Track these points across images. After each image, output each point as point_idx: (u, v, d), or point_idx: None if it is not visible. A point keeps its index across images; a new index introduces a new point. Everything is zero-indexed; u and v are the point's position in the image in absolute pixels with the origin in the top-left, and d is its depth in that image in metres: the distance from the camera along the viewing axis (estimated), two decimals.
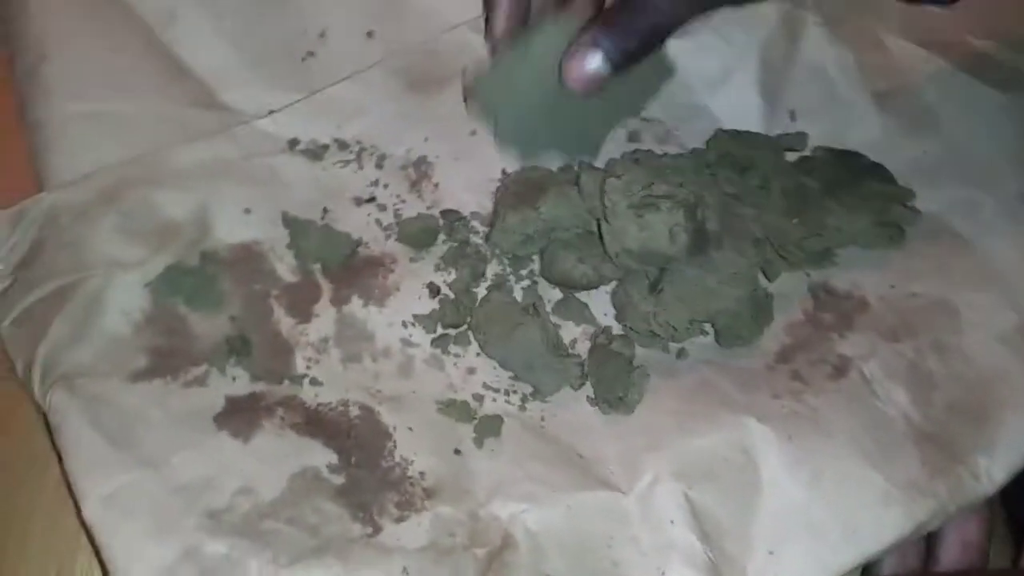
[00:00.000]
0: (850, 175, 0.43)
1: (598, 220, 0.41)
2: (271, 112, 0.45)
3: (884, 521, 0.37)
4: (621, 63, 0.38)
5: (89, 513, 0.34)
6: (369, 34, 0.49)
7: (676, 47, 0.48)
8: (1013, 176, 0.45)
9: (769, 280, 0.43)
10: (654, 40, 0.39)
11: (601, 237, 0.41)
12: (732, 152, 0.44)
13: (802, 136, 0.45)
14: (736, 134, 0.45)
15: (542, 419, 0.40)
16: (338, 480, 0.36)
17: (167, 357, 0.38)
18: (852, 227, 0.42)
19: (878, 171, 0.44)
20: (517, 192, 0.43)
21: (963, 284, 0.42)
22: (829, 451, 0.38)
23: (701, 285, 0.40)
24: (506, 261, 0.44)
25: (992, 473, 0.38)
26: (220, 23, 0.47)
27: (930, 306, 0.42)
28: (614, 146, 0.46)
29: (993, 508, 0.39)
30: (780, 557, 0.36)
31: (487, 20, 0.44)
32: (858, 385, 0.40)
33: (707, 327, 0.42)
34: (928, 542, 0.39)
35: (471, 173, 0.46)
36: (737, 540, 0.36)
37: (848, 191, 0.43)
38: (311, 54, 0.48)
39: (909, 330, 0.42)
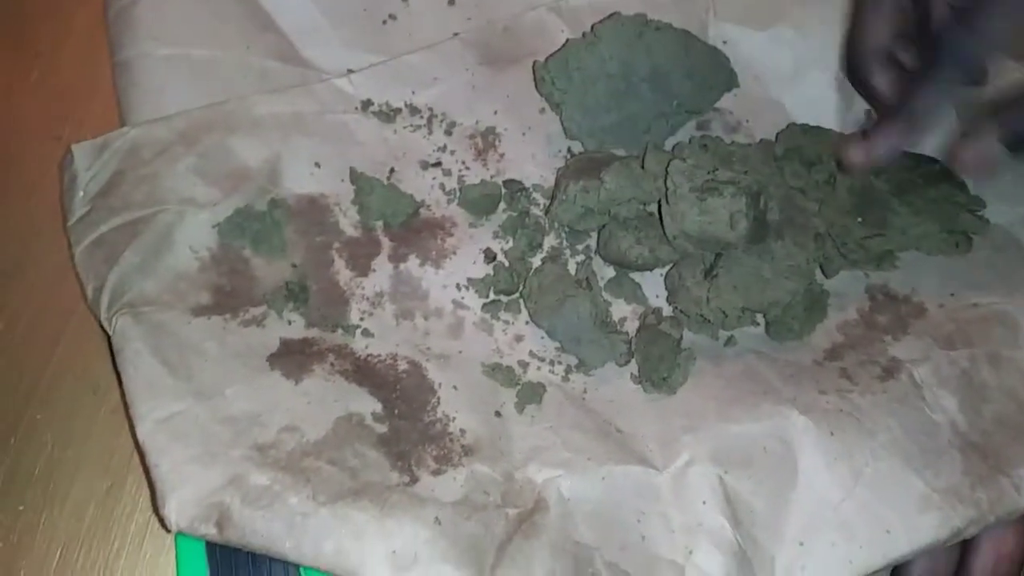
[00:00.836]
0: (921, 179, 0.43)
1: (659, 201, 0.41)
2: (349, 72, 0.47)
3: (920, 525, 0.36)
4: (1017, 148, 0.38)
5: (143, 435, 0.35)
6: (451, 2, 0.49)
7: (749, 39, 0.49)
8: None
9: (827, 276, 0.42)
10: None
11: (661, 218, 0.41)
12: (802, 146, 0.43)
13: None
14: (808, 129, 0.44)
15: (584, 391, 0.40)
16: (381, 428, 0.37)
17: (229, 296, 0.40)
18: (917, 231, 0.42)
19: (950, 178, 0.43)
20: (579, 168, 0.44)
21: None
22: (870, 450, 0.37)
23: (757, 274, 0.40)
24: (564, 234, 0.44)
25: None
26: None
27: (990, 317, 0.41)
28: (683, 133, 0.46)
29: None
30: (810, 550, 0.36)
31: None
32: (907, 388, 0.40)
33: (759, 318, 0.42)
34: (961, 549, 0.38)
35: (537, 148, 0.46)
36: (768, 529, 0.36)
37: (916, 194, 0.42)
38: (392, 17, 0.49)
39: (965, 339, 0.41)
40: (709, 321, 0.41)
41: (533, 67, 0.46)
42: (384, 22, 0.49)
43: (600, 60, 0.45)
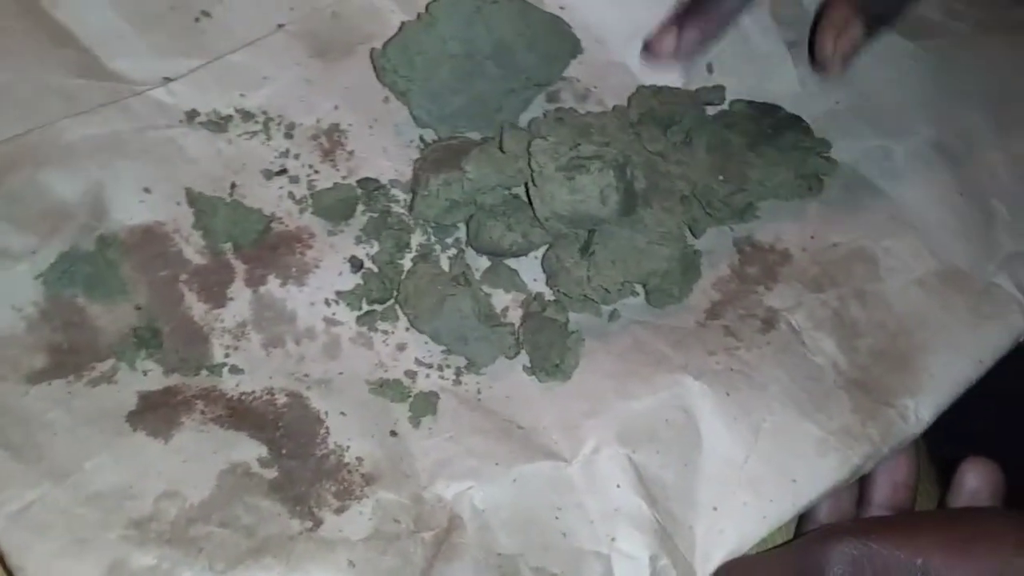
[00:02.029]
0: (770, 128, 0.43)
1: (526, 184, 0.40)
2: (166, 80, 0.42)
3: (821, 469, 0.37)
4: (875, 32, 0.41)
5: None
6: None
7: (586, 2, 0.48)
8: (923, 123, 0.46)
9: (695, 237, 0.43)
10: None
11: (530, 201, 0.40)
12: (654, 108, 0.43)
13: (720, 89, 0.45)
14: (657, 90, 0.44)
15: (478, 392, 0.39)
16: (271, 474, 0.34)
17: (68, 354, 0.35)
18: (774, 180, 0.43)
19: (796, 123, 0.44)
20: (437, 159, 0.42)
21: (880, 232, 0.44)
22: (765, 404, 0.38)
23: (632, 245, 0.40)
24: (430, 230, 0.42)
25: (920, 413, 0.39)
26: None
27: (850, 255, 0.43)
28: (534, 108, 0.45)
29: (918, 449, 0.40)
30: (725, 512, 0.37)
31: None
32: (787, 337, 0.41)
33: (638, 287, 0.41)
34: (859, 484, 0.40)
35: (387, 140, 0.44)
36: (682, 500, 0.37)
37: (768, 144, 0.43)
38: (206, 14, 0.44)
39: (832, 280, 0.42)
40: (592, 299, 0.40)
41: (371, 55, 0.43)
42: (197, 20, 0.44)
43: (440, 41, 0.42)
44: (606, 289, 0.40)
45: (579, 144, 0.39)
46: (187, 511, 0.32)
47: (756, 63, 0.47)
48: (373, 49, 0.43)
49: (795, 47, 0.47)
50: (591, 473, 0.36)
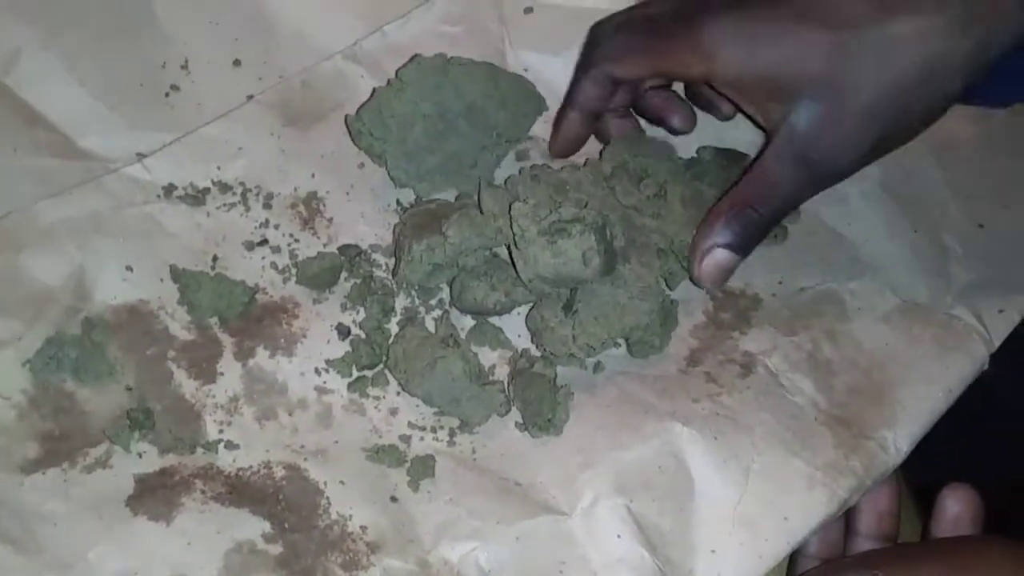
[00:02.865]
0: (738, 177, 0.45)
1: (508, 245, 0.40)
2: (140, 156, 0.42)
3: (811, 504, 0.38)
4: (748, 251, 0.40)
5: None
6: (236, 62, 0.46)
7: (547, 64, 0.49)
8: (873, 167, 0.48)
9: (670, 288, 0.44)
10: (778, 221, 0.41)
11: (512, 262, 0.40)
12: (627, 162, 0.44)
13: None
14: (629, 141, 0.45)
15: (473, 452, 0.39)
16: (276, 550, 0.34)
17: (60, 441, 0.35)
18: None
19: None
20: (417, 224, 0.42)
21: (844, 274, 0.45)
22: (752, 446, 0.39)
23: (614, 302, 0.40)
24: (414, 293, 0.42)
25: (898, 444, 0.40)
26: (70, 61, 0.42)
27: (817, 298, 0.45)
28: (507, 165, 0.46)
29: (899, 479, 0.41)
30: (722, 555, 0.37)
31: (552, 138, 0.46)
32: (766, 380, 0.42)
33: (619, 340, 0.42)
34: (846, 517, 0.41)
35: (364, 205, 0.44)
36: (680, 545, 0.37)
37: None
38: (175, 88, 0.44)
39: (803, 323, 0.44)
40: (577, 357, 0.41)
41: (346, 121, 0.44)
42: (167, 94, 0.44)
43: (412, 103, 0.43)
44: (591, 346, 0.40)
45: (559, 205, 0.40)
46: None
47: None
48: (347, 115, 0.44)
49: None
50: (591, 525, 0.37)
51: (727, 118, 0.47)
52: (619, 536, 0.37)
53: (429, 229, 0.41)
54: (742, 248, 0.40)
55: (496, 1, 0.49)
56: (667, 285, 0.43)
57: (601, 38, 0.43)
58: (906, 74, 0.35)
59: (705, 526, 0.38)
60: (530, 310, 0.42)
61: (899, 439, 0.40)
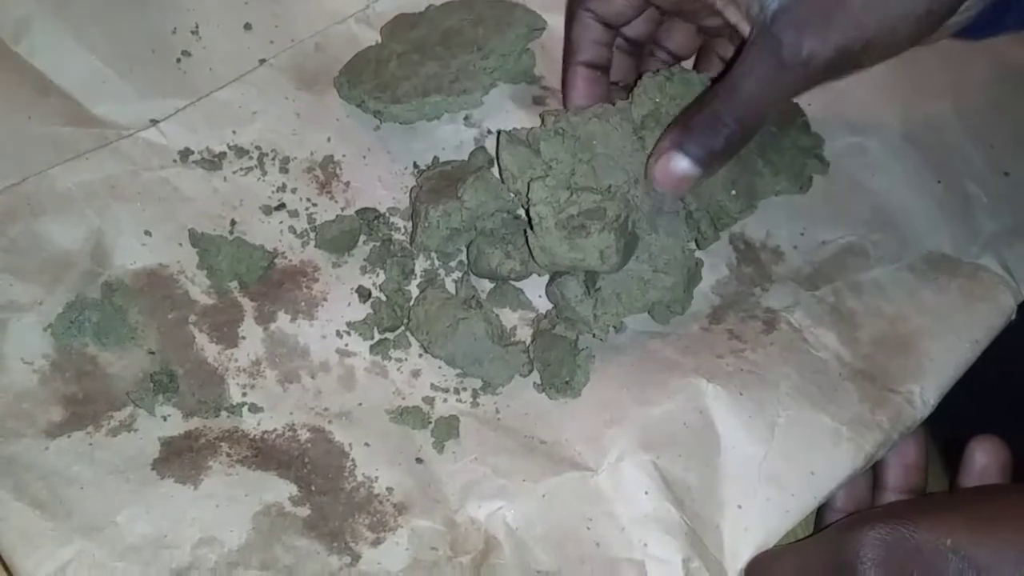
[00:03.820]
0: (775, 127, 0.44)
1: (526, 210, 0.39)
2: (153, 122, 0.41)
3: (837, 459, 0.38)
4: (709, 163, 0.37)
5: None
6: (247, 26, 0.45)
7: None
8: (891, 117, 0.48)
9: (700, 248, 0.43)
10: (744, 135, 0.37)
11: (531, 223, 0.40)
12: (660, 106, 0.41)
13: None
14: (666, 79, 0.42)
15: (497, 411, 0.39)
16: (304, 512, 0.34)
17: (84, 404, 0.35)
18: (776, 188, 0.44)
19: (793, 119, 0.45)
20: (433, 188, 0.42)
21: (866, 226, 0.45)
22: (777, 401, 0.39)
23: (637, 278, 0.40)
24: (434, 255, 0.42)
25: (925, 397, 0.40)
26: (80, 29, 0.42)
27: (840, 251, 0.44)
28: (521, 112, 0.45)
29: (925, 432, 0.41)
30: (748, 510, 0.37)
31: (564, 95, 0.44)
32: (789, 335, 0.41)
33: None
34: (873, 471, 0.41)
35: (381, 169, 0.44)
36: (707, 501, 0.37)
37: (774, 148, 0.44)
38: (186, 54, 0.44)
39: (824, 277, 0.43)
40: (598, 337, 0.40)
41: (334, 83, 0.44)
42: (178, 60, 0.44)
43: (387, 50, 0.43)
44: (613, 326, 0.40)
45: (580, 190, 0.38)
46: (226, 556, 0.32)
47: None
48: (335, 78, 0.44)
49: None
50: (618, 481, 0.37)
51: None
52: (646, 492, 0.36)
53: (445, 194, 0.41)
54: (703, 160, 0.37)
55: None
56: (697, 245, 0.42)
57: None
58: None
59: (731, 482, 0.37)
60: (549, 282, 0.41)
61: (926, 392, 0.40)
